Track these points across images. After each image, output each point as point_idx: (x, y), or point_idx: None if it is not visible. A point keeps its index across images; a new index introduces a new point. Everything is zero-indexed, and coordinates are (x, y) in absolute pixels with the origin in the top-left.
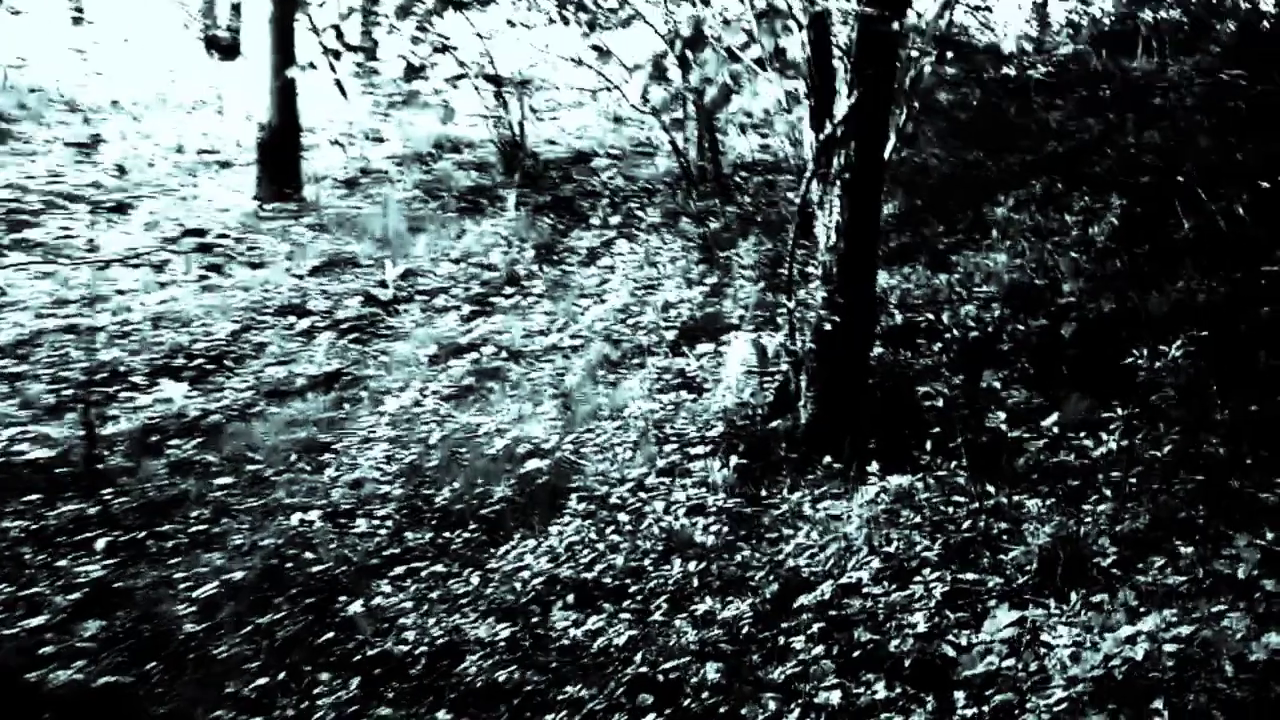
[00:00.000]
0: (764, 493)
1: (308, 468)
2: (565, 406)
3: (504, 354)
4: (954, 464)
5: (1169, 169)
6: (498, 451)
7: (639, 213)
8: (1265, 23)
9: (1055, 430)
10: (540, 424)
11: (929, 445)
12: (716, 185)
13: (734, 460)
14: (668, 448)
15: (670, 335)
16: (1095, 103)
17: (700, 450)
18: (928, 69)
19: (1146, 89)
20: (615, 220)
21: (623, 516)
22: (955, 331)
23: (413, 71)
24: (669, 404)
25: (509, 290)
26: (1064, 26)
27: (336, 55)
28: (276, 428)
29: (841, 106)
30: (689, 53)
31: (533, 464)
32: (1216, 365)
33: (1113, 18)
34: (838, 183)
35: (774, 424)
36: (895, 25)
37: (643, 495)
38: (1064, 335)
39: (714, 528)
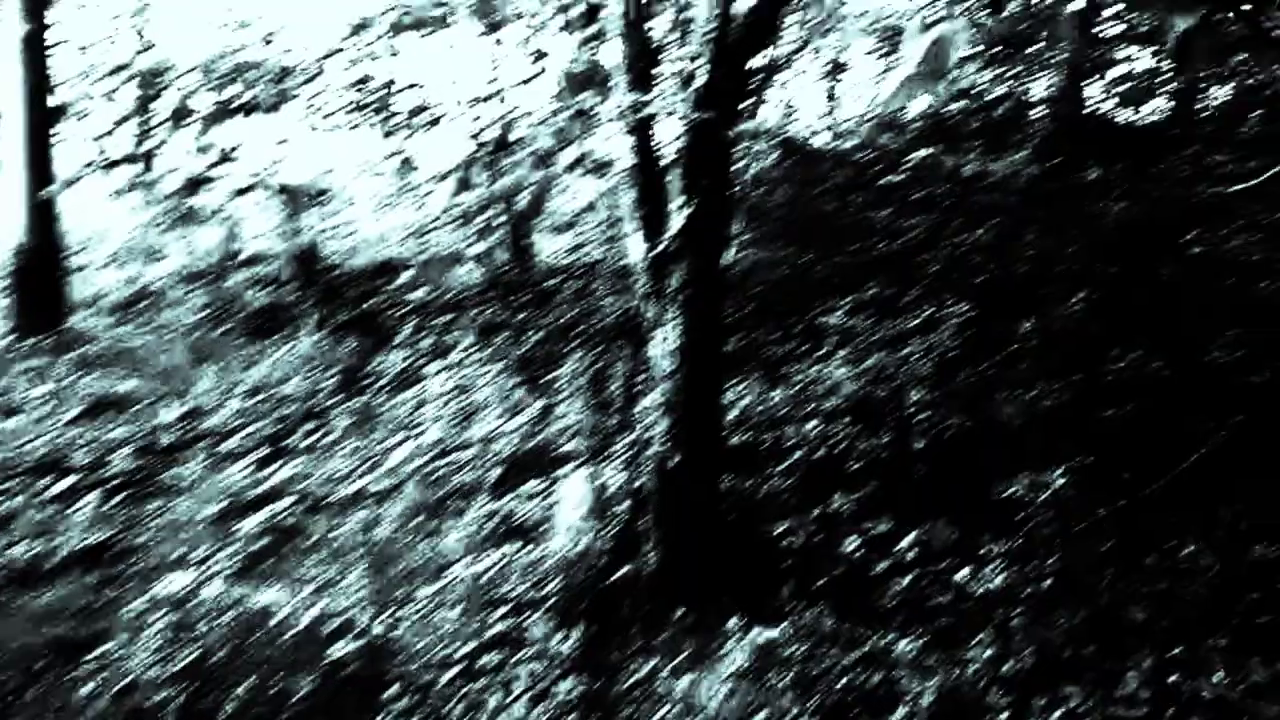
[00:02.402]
0: (615, 656)
1: (60, 679)
2: (377, 568)
3: (304, 506)
4: (818, 608)
5: (1002, 268)
6: (298, 634)
7: (450, 330)
8: (1081, 115)
9: (915, 556)
10: (348, 594)
11: (789, 588)
12: (532, 294)
13: (578, 626)
14: (500, 613)
15: (494, 473)
16: (923, 201)
17: (538, 616)
18: (760, 171)
19: (971, 186)
20: (425, 340)
21: (453, 712)
22: (800, 452)
23: (196, 183)
24: (498, 558)
25: (309, 426)
26: (887, 124)
27: (108, 167)
28: (23, 625)
29: (676, 218)
30: (498, 157)
31: (341, 648)
32: (1090, 488)
33: (935, 114)
34: (675, 301)
35: (618, 574)
36: (731, 129)
37: (475, 681)
38: (915, 452)
39: None
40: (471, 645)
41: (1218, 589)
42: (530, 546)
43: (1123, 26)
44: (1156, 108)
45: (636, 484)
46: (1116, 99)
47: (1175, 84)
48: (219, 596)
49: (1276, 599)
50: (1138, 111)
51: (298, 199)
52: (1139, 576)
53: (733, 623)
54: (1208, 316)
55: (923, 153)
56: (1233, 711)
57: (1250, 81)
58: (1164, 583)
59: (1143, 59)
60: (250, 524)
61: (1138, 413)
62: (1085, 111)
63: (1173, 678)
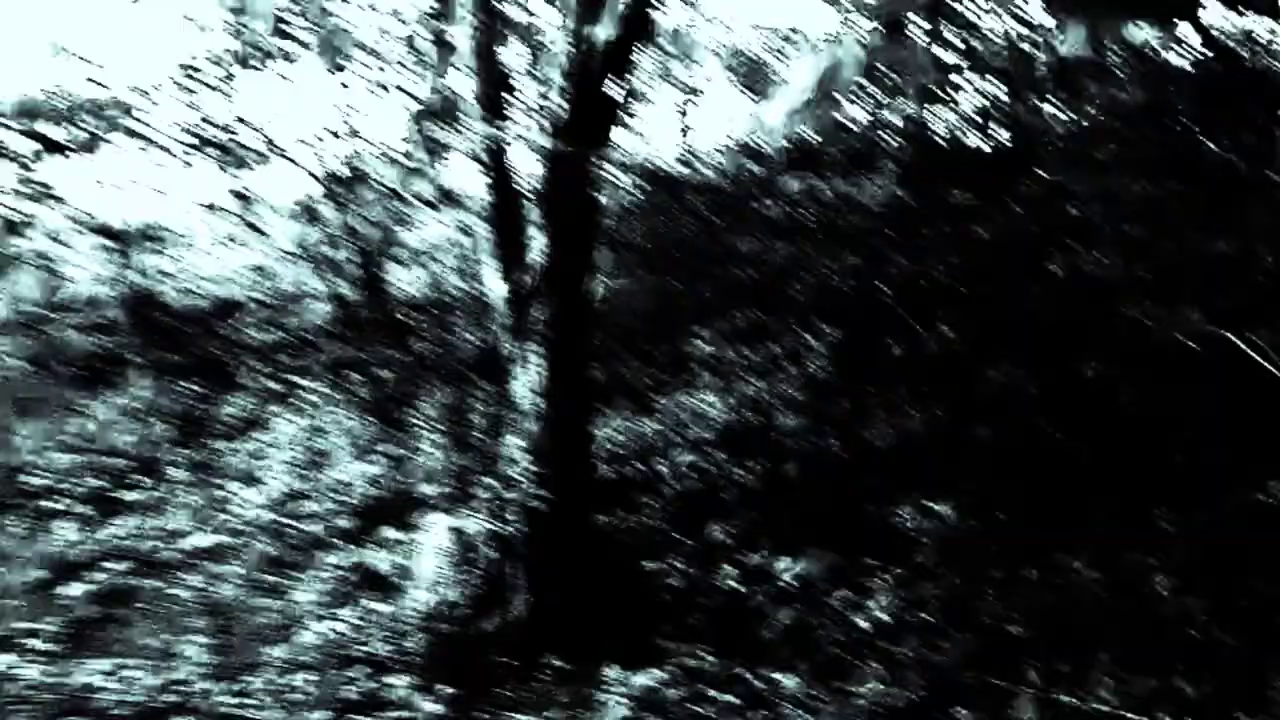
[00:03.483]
0: (484, 715)
1: None
2: (220, 633)
3: (136, 568)
4: (700, 647)
5: (869, 292)
6: (129, 716)
7: (299, 371)
8: (937, 140)
9: (797, 587)
10: (187, 664)
11: (668, 628)
12: (386, 331)
13: (443, 685)
14: (358, 674)
15: (349, 523)
16: (787, 227)
17: (400, 675)
18: (621, 201)
19: (835, 211)
20: (272, 383)
21: None
22: (673, 484)
23: (11, 227)
24: (355, 614)
25: (142, 480)
26: (749, 151)
27: None
28: None
29: (536, 252)
30: (347, 192)
31: None
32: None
33: (798, 140)
34: (538, 338)
35: (486, 626)
36: (590, 160)
37: None
38: (791, 479)
39: None
40: (327, 714)
41: (1100, 604)
42: (390, 600)
43: (965, 53)
44: (1002, 132)
45: (503, 529)
46: (968, 124)
47: (1022, 108)
48: (40, 672)
49: (1157, 612)
50: (989, 136)
51: (128, 240)
52: (1023, 595)
53: (609, 671)
54: (1073, 335)
55: (787, 179)
56: None
57: (1095, 105)
58: (1048, 599)
59: (990, 84)
60: (77, 591)
61: (1010, 432)
62: (941, 136)
63: (1060, 695)
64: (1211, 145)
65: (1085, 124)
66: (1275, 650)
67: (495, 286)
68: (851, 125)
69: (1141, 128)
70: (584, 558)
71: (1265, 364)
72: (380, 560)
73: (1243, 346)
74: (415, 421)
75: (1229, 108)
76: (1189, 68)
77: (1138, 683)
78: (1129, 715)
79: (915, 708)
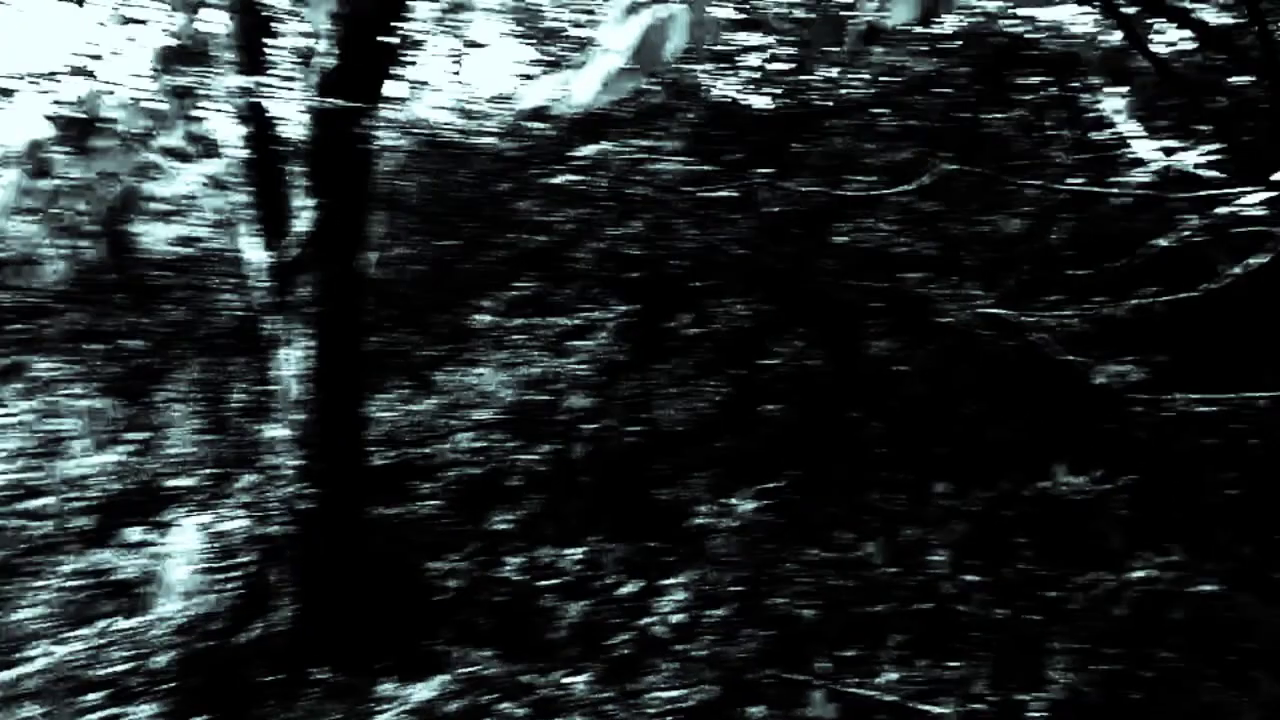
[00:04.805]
0: None
1: None
2: None
3: None
4: (484, 651)
5: (658, 262)
6: None
7: (28, 343)
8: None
9: (586, 579)
10: None
11: (450, 630)
12: (132, 295)
13: (198, 707)
14: (96, 700)
15: (87, 520)
16: (573, 193)
17: (146, 699)
18: (395, 161)
19: (623, 177)
20: None
21: None
22: (454, 469)
23: None
24: (93, 630)
25: None
26: (534, 112)
27: None
28: None
29: (301, 219)
30: (82, 138)
31: None
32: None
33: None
34: (305, 315)
35: (246, 637)
36: (362, 116)
37: None
38: (579, 463)
39: None
40: None
41: (885, 586)
42: (136, 610)
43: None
44: (794, 99)
45: (264, 527)
46: (753, 86)
47: (814, 71)
48: None
49: (940, 597)
50: (775, 100)
51: None
52: (812, 578)
53: (385, 682)
54: (861, 308)
55: (575, 143)
56: (904, 712)
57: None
58: (835, 582)
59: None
60: None
61: (800, 408)
62: (727, 100)
63: (848, 682)
64: (996, 118)
65: (873, 93)
66: (1050, 627)
67: (255, 254)
68: (645, 90)
69: (925, 98)
70: (356, 556)
71: (1044, 343)
72: (123, 566)
73: (1024, 325)
74: (165, 403)
75: (1011, 84)
76: (973, 39)
77: (923, 667)
78: (913, 704)
79: (708, 707)
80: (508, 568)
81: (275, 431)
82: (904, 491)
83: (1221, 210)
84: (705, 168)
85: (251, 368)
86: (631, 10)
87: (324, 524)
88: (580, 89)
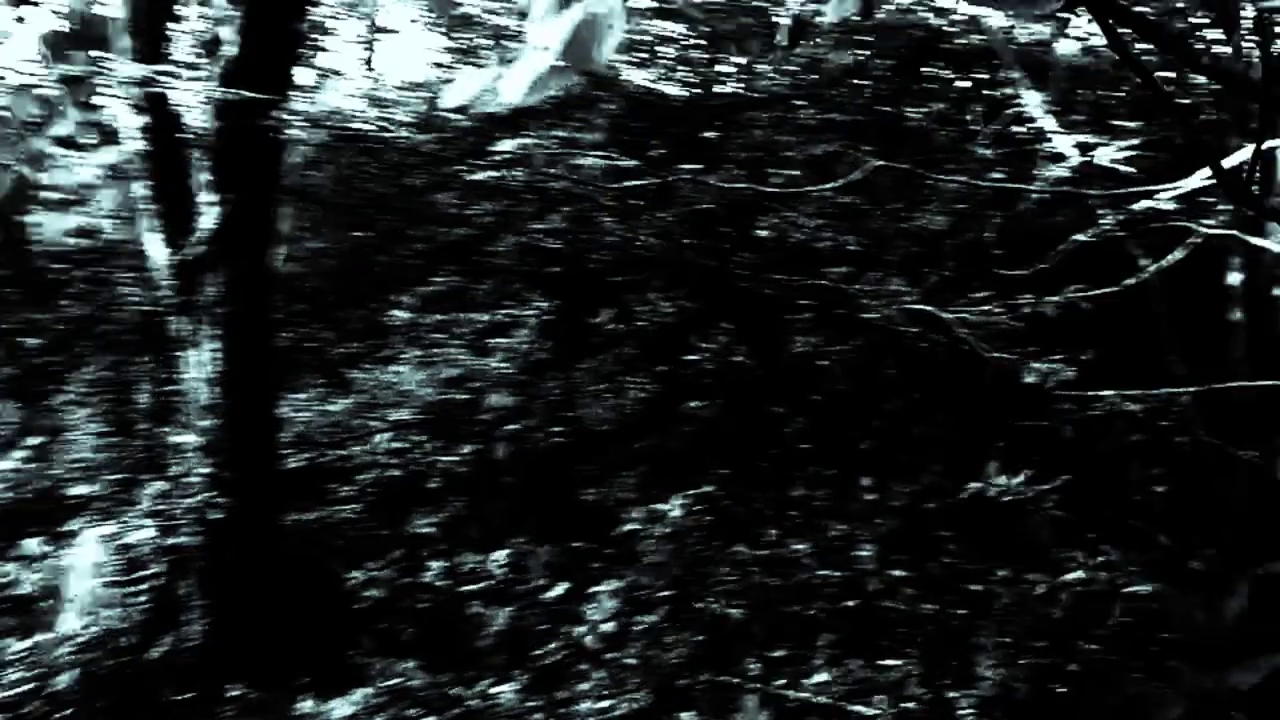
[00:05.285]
0: None
1: None
2: None
3: None
4: (406, 661)
5: (579, 257)
6: None
7: None
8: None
9: (511, 583)
10: None
11: (370, 640)
12: (28, 289)
13: None
14: None
15: None
16: (492, 185)
17: None
18: (306, 152)
19: (541, 170)
20: None
21: None
22: (372, 471)
23: None
24: None
25: None
26: (434, 100)
27: None
28: None
29: (207, 214)
30: None
31: None
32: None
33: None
34: (212, 315)
35: (154, 654)
36: (270, 106)
37: None
38: (501, 464)
39: None
40: None
41: (815, 586)
42: (33, 630)
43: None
44: (715, 91)
45: (172, 536)
46: (670, 77)
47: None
48: None
49: (869, 594)
50: (691, 91)
51: None
52: (741, 579)
53: (303, 698)
54: (785, 304)
55: (496, 137)
56: (836, 712)
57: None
58: (766, 583)
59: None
60: None
61: (724, 405)
62: (645, 91)
63: (779, 684)
64: (916, 113)
65: (794, 86)
66: (978, 622)
67: (158, 250)
68: (569, 83)
69: (846, 92)
70: (270, 565)
71: (968, 340)
72: (22, 577)
73: (947, 321)
74: (65, 406)
75: (930, 78)
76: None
77: (853, 666)
78: (844, 705)
79: (639, 715)
80: (430, 573)
81: (183, 436)
82: (829, 488)
83: (1139, 206)
84: (626, 161)
85: (157, 368)
86: (563, 4)
87: (236, 532)
88: (509, 87)
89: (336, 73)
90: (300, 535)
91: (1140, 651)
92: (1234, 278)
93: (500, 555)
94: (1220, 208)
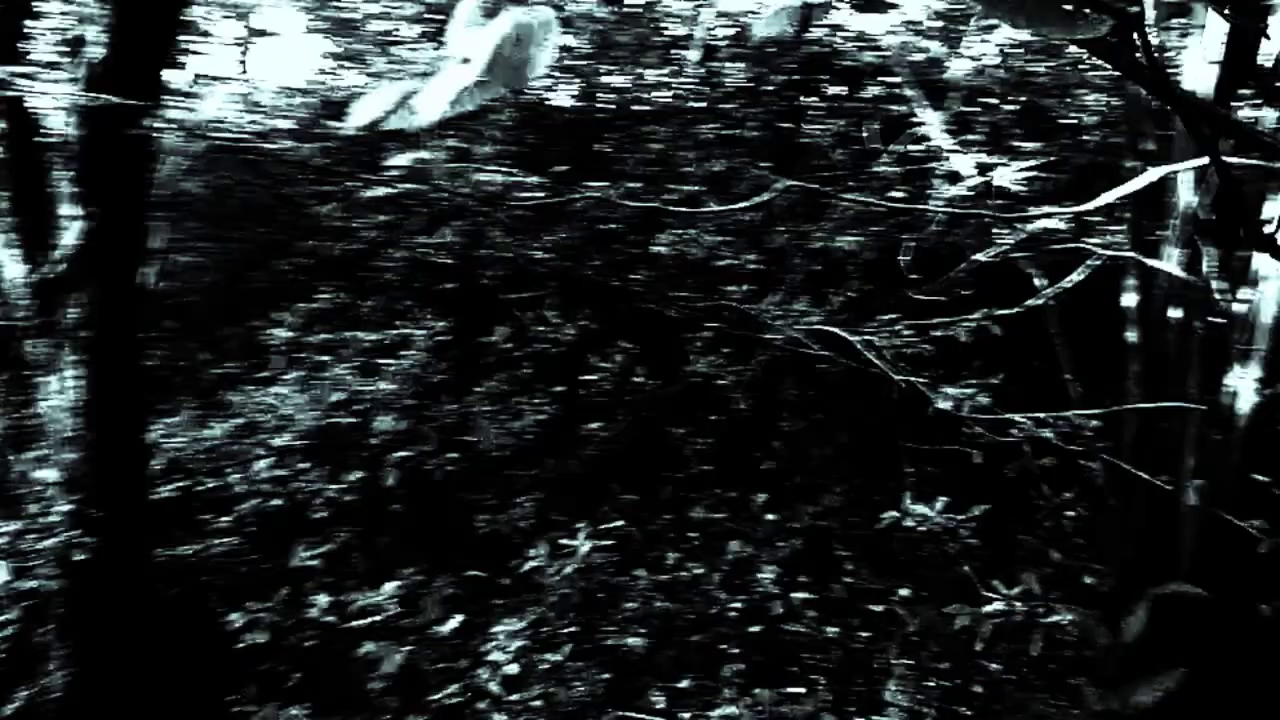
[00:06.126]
0: None
1: None
2: None
3: None
4: (292, 708)
5: (471, 274)
6: None
7: None
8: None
9: (403, 618)
10: None
11: (251, 686)
12: None
13: None
14: None
15: None
16: (378, 198)
17: None
18: (179, 162)
19: (431, 181)
20: None
21: None
22: (252, 500)
23: None
24: None
25: None
26: (330, 105)
27: None
28: None
29: (71, 233)
30: None
31: None
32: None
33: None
34: (75, 340)
35: (11, 707)
36: (140, 113)
37: None
38: (391, 492)
39: None
40: None
41: (720, 615)
42: None
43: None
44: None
45: (31, 580)
46: (561, 88)
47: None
48: None
49: (776, 622)
50: (586, 103)
51: None
52: (645, 608)
53: None
54: (683, 322)
55: (385, 148)
56: None
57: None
58: (669, 610)
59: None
60: None
61: (625, 424)
62: (538, 102)
63: (685, 718)
64: (814, 129)
65: (692, 100)
66: (879, 643)
67: (15, 269)
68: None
69: (742, 108)
70: (141, 607)
71: (875, 362)
72: None
73: (853, 342)
74: None
75: (828, 95)
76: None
77: (762, 694)
78: None
79: None
80: (316, 610)
81: (42, 470)
82: (731, 510)
83: (1036, 227)
84: (519, 174)
85: (12, 395)
86: (489, 14)
87: (102, 572)
88: (426, 104)
89: (212, 77)
90: (173, 573)
91: (1043, 672)
92: (1129, 299)
93: (390, 588)
94: (1114, 229)
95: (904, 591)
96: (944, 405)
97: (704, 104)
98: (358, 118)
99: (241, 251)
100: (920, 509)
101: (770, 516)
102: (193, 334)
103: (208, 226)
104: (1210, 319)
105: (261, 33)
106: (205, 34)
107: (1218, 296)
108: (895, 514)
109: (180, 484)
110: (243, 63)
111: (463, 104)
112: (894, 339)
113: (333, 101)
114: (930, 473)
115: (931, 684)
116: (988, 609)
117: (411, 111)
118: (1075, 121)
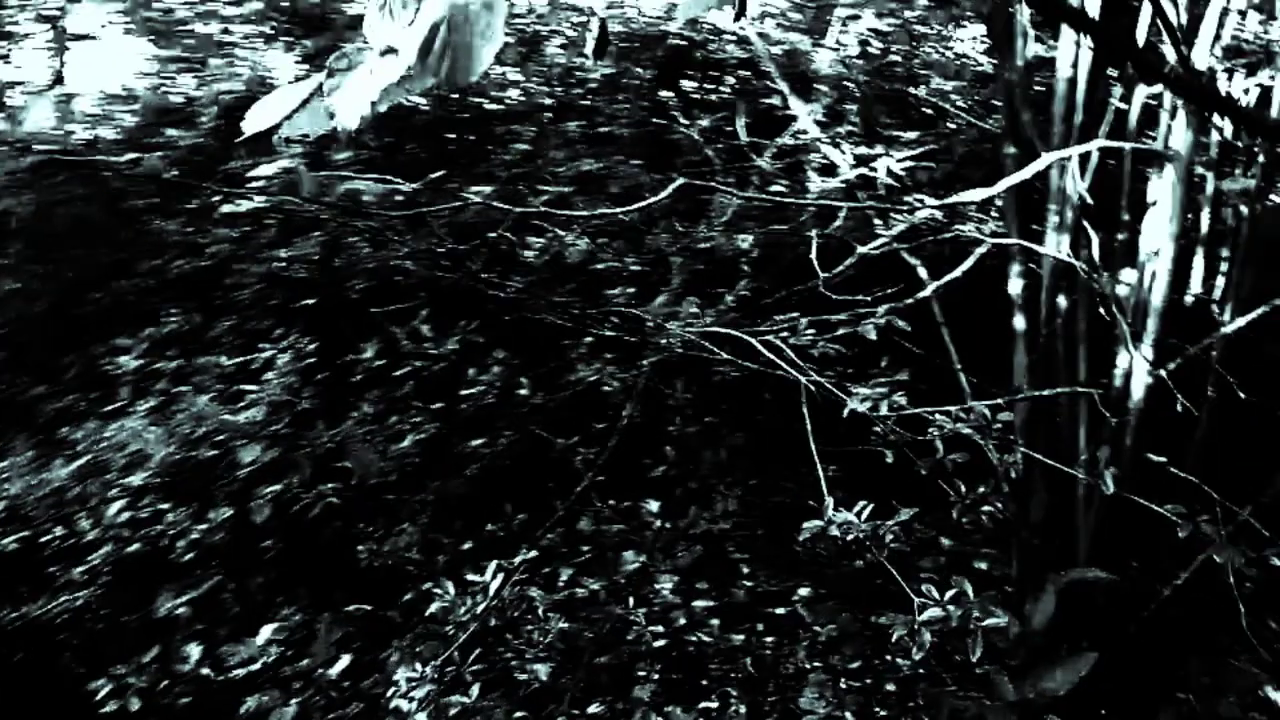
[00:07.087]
0: None
1: None
2: None
3: None
4: None
5: (334, 287)
6: None
7: None
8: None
9: (282, 664)
10: None
11: None
12: None
13: None
14: None
15: None
16: (230, 211)
17: None
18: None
19: (287, 190)
20: None
21: None
22: (105, 547)
23: None
24: None
25: None
26: (168, 111)
27: None
28: None
29: None
30: None
31: None
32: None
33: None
34: None
35: None
36: None
37: None
38: (261, 526)
39: None
40: None
41: (622, 631)
42: None
43: None
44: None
45: None
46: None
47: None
48: None
49: (680, 633)
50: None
51: None
52: (542, 628)
53: None
54: (564, 329)
55: (237, 153)
56: None
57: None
58: (566, 631)
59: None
60: None
61: (510, 439)
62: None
63: None
64: (684, 124)
65: (557, 96)
66: (792, 649)
67: None
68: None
69: (608, 104)
70: None
71: (777, 361)
72: None
73: (754, 343)
74: None
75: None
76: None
77: (676, 712)
78: None
79: None
80: (188, 664)
81: None
82: (624, 521)
83: (917, 219)
84: (398, 180)
85: None
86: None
87: None
88: (344, 106)
89: (23, 86)
90: (20, 637)
91: (952, 664)
92: (1014, 286)
93: (267, 630)
94: (994, 215)
95: (803, 592)
96: (859, 406)
97: (566, 100)
98: (255, 123)
99: (76, 273)
100: (844, 516)
101: (662, 524)
102: (24, 367)
103: (34, 249)
104: (1097, 301)
105: (77, 36)
106: (13, 38)
107: (1102, 279)
108: (819, 523)
109: (21, 534)
110: (58, 70)
111: (388, 102)
112: (797, 338)
113: (167, 109)
114: (839, 476)
115: (844, 686)
116: (923, 616)
117: (329, 114)
118: (948, 109)
